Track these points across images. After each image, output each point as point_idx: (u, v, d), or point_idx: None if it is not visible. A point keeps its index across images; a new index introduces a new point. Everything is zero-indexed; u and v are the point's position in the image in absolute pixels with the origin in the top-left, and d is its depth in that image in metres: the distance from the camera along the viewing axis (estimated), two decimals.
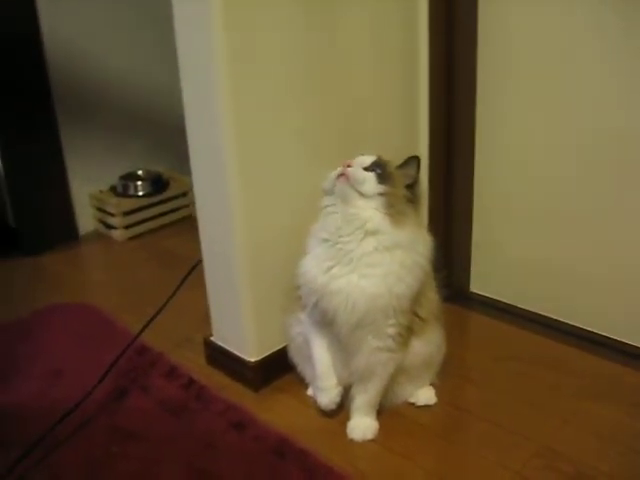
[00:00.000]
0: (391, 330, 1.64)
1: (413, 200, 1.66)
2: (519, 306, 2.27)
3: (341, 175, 1.60)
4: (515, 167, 2.17)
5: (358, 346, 1.68)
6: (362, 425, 1.77)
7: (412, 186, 1.67)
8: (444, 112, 2.21)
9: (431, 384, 1.89)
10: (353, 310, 1.60)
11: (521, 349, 2.11)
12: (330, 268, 1.62)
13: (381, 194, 1.59)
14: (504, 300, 2.31)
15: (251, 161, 1.78)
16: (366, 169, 1.61)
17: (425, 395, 1.87)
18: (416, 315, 1.71)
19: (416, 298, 1.67)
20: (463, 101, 2.19)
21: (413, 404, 1.86)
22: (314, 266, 1.66)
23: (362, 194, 1.59)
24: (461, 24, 2.11)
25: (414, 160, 1.69)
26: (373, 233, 1.59)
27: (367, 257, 1.60)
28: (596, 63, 1.90)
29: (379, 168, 1.61)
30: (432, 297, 1.78)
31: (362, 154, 1.67)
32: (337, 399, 1.78)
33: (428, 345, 1.77)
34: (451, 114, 2.21)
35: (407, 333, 1.69)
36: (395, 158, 1.69)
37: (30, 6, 2.84)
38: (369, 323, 1.62)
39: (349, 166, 1.61)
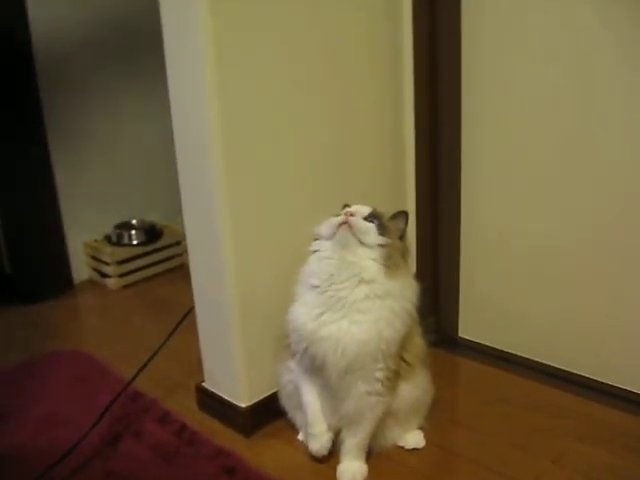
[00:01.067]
0: (380, 374, 1.67)
1: (405, 252, 1.71)
2: (507, 350, 2.29)
3: (344, 223, 1.63)
4: (500, 218, 2.22)
5: (347, 391, 1.70)
6: (352, 468, 1.77)
7: (402, 238, 1.72)
8: (430, 166, 2.28)
9: (420, 428, 1.90)
10: (343, 355, 1.63)
11: (509, 392, 2.13)
12: (320, 315, 1.65)
13: (381, 245, 1.63)
14: (492, 345, 2.33)
15: (242, 211, 1.82)
16: (365, 219, 1.65)
17: (414, 439, 1.88)
18: (403, 359, 1.73)
19: (403, 343, 1.70)
20: (448, 155, 2.26)
21: (402, 447, 1.87)
22: (304, 313, 1.68)
23: (363, 243, 1.63)
24: (445, 75, 2.18)
25: (402, 215, 1.74)
26: (368, 282, 1.63)
27: (359, 304, 1.63)
28: (586, 115, 1.96)
29: (376, 219, 1.66)
30: (418, 342, 1.80)
31: (350, 204, 1.71)
32: (328, 445, 1.80)
33: (415, 389, 1.80)
34: (437, 166, 2.27)
35: (395, 377, 1.71)
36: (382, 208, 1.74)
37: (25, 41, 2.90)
38: (358, 368, 1.64)
39: (352, 215, 1.65)
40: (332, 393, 1.73)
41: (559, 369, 2.17)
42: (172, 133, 1.88)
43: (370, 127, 2.16)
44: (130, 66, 3.24)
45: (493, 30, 2.08)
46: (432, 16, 2.14)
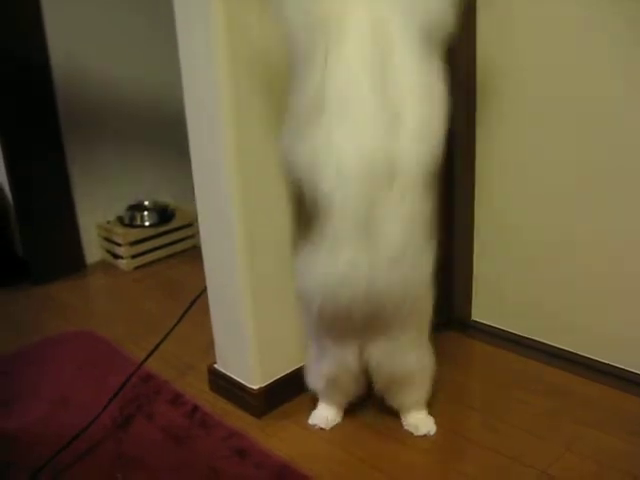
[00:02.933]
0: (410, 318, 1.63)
1: None
2: (520, 334, 2.28)
3: None
4: (516, 202, 2.19)
5: (375, 340, 1.66)
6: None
7: None
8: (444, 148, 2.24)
9: (429, 412, 1.90)
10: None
11: (522, 376, 2.12)
12: None
13: None
14: (506, 328, 2.32)
15: (253, 192, 1.81)
16: None
17: (425, 425, 1.86)
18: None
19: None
20: (463, 138, 2.23)
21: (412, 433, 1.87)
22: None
23: None
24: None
25: None
26: None
27: None
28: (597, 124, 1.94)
29: None
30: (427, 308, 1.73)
31: None
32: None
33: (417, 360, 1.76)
34: (451, 149, 2.24)
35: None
36: None
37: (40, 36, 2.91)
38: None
39: None
40: (361, 350, 1.70)
41: (573, 353, 2.15)
42: (185, 114, 1.87)
43: None
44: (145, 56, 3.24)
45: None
46: None
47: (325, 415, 1.90)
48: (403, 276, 1.52)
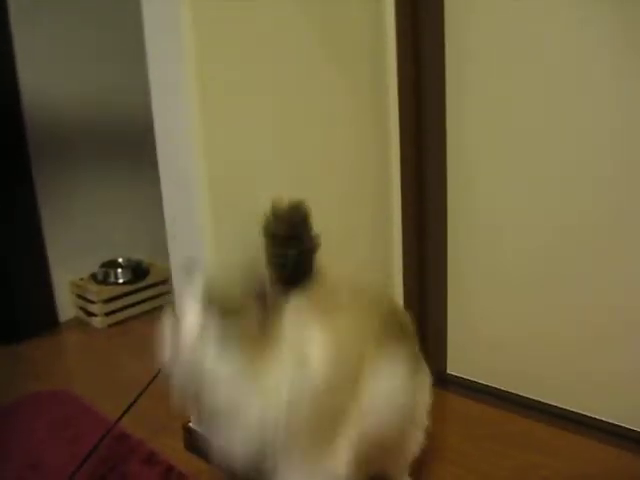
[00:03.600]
0: None
1: None
2: (497, 387, 2.29)
3: None
4: (489, 246, 2.22)
5: None
6: None
7: None
8: (416, 193, 2.28)
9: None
10: None
11: (500, 429, 2.12)
12: None
13: None
14: (482, 381, 2.32)
15: (227, 243, 1.81)
16: None
17: None
18: None
19: None
20: (434, 180, 2.26)
21: None
22: None
23: None
24: (428, 66, 2.20)
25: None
26: None
27: None
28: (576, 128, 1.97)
29: None
30: None
31: None
32: None
33: None
34: (423, 192, 2.28)
35: None
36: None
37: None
38: None
39: None
40: None
41: (549, 405, 2.16)
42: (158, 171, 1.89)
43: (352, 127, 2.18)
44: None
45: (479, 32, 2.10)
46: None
47: None
48: None
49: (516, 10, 1.97)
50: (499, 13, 2.02)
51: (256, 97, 1.81)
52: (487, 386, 2.31)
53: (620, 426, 2.02)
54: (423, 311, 2.36)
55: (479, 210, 2.19)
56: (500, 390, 2.28)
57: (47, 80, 3.05)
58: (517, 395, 2.24)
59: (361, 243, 2.23)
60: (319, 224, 1.50)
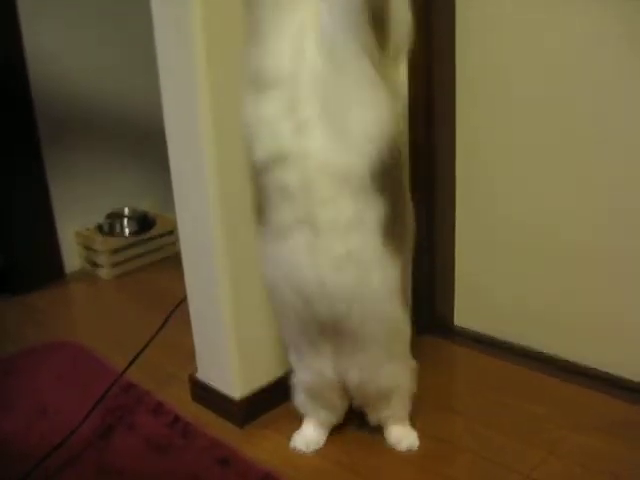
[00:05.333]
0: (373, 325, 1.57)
1: None
2: (503, 339, 2.28)
3: None
4: (497, 205, 2.20)
5: (350, 348, 1.62)
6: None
7: None
8: (425, 154, 2.25)
9: (412, 420, 1.87)
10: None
11: (505, 381, 2.12)
12: None
13: None
14: (488, 333, 2.32)
15: (234, 198, 1.80)
16: None
17: (406, 439, 1.83)
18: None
19: None
20: (444, 143, 2.24)
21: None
22: None
23: None
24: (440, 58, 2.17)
25: None
26: None
27: None
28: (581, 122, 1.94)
29: None
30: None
31: None
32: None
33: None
34: (432, 154, 2.25)
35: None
36: None
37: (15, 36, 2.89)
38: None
39: None
40: (336, 360, 1.66)
41: (555, 357, 2.16)
42: (162, 119, 1.86)
43: None
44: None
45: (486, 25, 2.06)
46: None
47: (307, 437, 1.85)
48: (352, 280, 1.48)
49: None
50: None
51: None
52: (494, 338, 2.30)
53: (625, 378, 2.03)
54: (431, 263, 2.34)
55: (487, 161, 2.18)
56: (507, 342, 2.28)
57: (55, 45, 3.01)
58: (524, 347, 2.23)
59: None
60: None
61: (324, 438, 1.86)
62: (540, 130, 2.03)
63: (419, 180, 2.24)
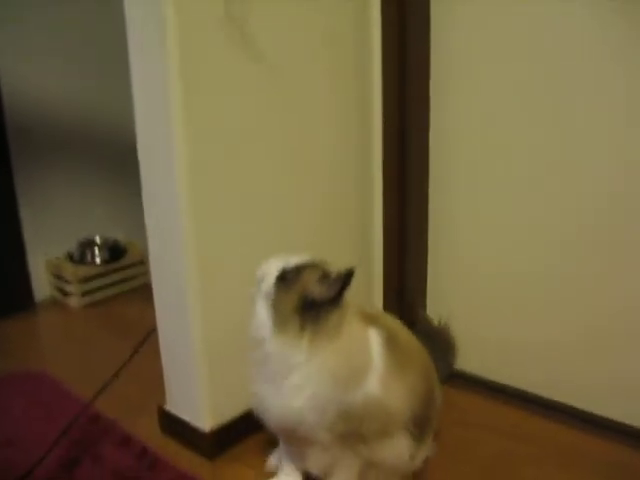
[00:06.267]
0: (322, 435, 1.58)
1: (305, 317, 1.51)
2: (481, 375, 2.29)
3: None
4: (470, 246, 2.23)
5: (303, 450, 1.66)
6: None
7: (314, 304, 1.51)
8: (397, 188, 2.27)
9: None
10: (265, 417, 1.62)
11: (482, 417, 2.12)
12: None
13: (272, 296, 1.53)
14: (466, 370, 2.31)
15: (206, 229, 1.80)
16: (284, 268, 1.54)
17: None
18: (353, 431, 1.60)
19: (345, 417, 1.56)
20: (416, 174, 2.25)
21: None
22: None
23: (261, 292, 1.55)
24: (414, 89, 2.18)
25: (337, 280, 1.51)
26: (261, 342, 1.55)
27: (262, 370, 1.57)
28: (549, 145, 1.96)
29: (291, 271, 1.54)
30: (384, 411, 1.61)
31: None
32: None
33: (394, 453, 1.67)
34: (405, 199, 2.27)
35: (354, 439, 1.61)
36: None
37: None
38: (290, 431, 1.59)
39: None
40: (297, 453, 1.70)
41: (528, 393, 2.16)
42: (135, 148, 1.86)
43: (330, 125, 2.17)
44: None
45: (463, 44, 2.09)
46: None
47: None
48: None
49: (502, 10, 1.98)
50: (485, 13, 2.02)
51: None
52: (473, 375, 2.30)
53: (609, 419, 2.02)
54: (401, 301, 2.35)
55: (460, 216, 2.20)
56: (485, 379, 2.28)
57: (27, 68, 3.00)
58: (502, 384, 2.24)
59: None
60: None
61: None
62: (516, 156, 2.05)
63: (390, 226, 2.27)
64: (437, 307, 2.35)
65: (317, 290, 1.51)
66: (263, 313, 1.54)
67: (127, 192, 2.91)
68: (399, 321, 1.77)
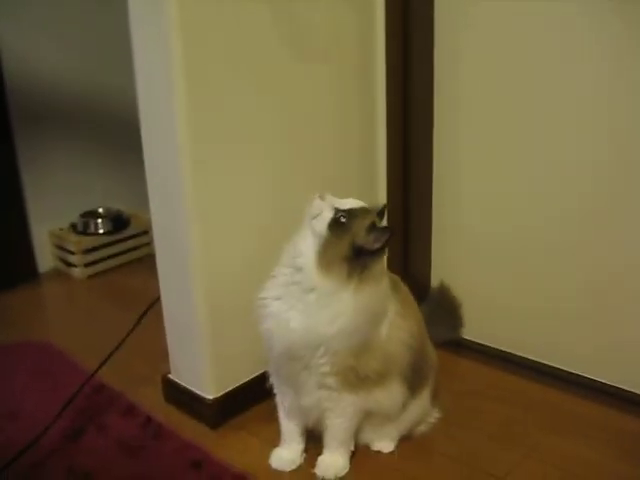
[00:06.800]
0: (325, 368, 1.60)
1: (352, 264, 1.54)
2: (479, 342, 2.29)
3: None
4: (476, 206, 2.22)
5: (302, 383, 1.66)
6: (328, 462, 1.74)
7: (360, 250, 1.54)
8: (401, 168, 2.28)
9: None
10: (280, 338, 1.60)
11: (481, 384, 2.12)
12: (277, 297, 1.62)
13: (323, 237, 1.54)
14: (465, 337, 2.31)
15: (208, 201, 1.79)
16: (336, 210, 1.55)
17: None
18: (358, 368, 1.63)
19: (358, 350, 1.60)
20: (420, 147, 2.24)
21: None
22: (266, 290, 1.65)
23: (312, 228, 1.56)
24: (417, 77, 2.18)
25: (380, 230, 1.56)
26: (298, 269, 1.57)
27: (294, 290, 1.58)
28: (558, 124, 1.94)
29: (345, 216, 1.54)
30: (387, 353, 1.67)
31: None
32: (288, 467, 1.79)
33: (386, 399, 1.70)
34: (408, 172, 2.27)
35: (356, 377, 1.63)
36: None
37: None
38: (299, 356, 1.60)
39: (321, 197, 1.58)
40: (294, 388, 1.69)
41: (532, 360, 2.17)
42: (138, 119, 1.84)
43: (337, 123, 2.14)
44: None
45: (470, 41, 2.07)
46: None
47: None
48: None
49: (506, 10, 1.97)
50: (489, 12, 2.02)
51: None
52: (471, 341, 2.31)
53: (603, 382, 2.03)
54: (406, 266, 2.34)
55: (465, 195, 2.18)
56: (484, 346, 2.28)
57: (29, 43, 2.97)
58: (500, 350, 2.24)
59: None
60: None
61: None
62: (521, 132, 2.04)
63: (394, 192, 2.25)
64: (441, 274, 2.35)
65: (367, 240, 1.54)
66: (309, 247, 1.56)
67: (131, 163, 2.89)
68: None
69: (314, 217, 1.56)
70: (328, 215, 1.55)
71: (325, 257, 1.54)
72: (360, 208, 1.58)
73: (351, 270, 1.54)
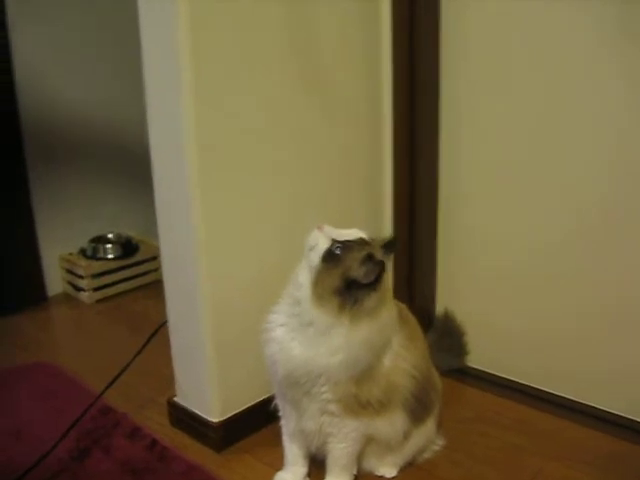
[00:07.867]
0: (327, 396, 1.61)
1: (344, 296, 1.54)
2: (483, 369, 2.29)
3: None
4: (481, 235, 2.23)
5: (305, 408, 1.67)
6: None
7: (354, 284, 1.53)
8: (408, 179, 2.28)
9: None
10: (283, 364, 1.62)
11: (485, 411, 2.12)
12: (282, 324, 1.64)
13: (317, 269, 1.55)
14: (469, 364, 2.32)
15: (216, 227, 1.81)
16: (333, 241, 1.55)
17: (391, 472, 1.83)
18: (359, 395, 1.64)
19: (359, 379, 1.61)
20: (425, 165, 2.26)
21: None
22: (273, 320, 1.67)
23: (309, 260, 1.57)
24: (423, 87, 2.19)
25: (373, 263, 1.54)
26: (298, 302, 1.58)
27: (295, 322, 1.60)
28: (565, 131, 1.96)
29: (340, 247, 1.55)
30: (389, 383, 1.68)
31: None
32: None
33: (387, 427, 1.71)
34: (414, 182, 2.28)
35: (358, 405, 1.64)
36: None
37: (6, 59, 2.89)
38: (301, 382, 1.61)
39: (319, 228, 1.58)
40: (298, 412, 1.70)
41: (535, 388, 2.17)
42: (149, 146, 1.87)
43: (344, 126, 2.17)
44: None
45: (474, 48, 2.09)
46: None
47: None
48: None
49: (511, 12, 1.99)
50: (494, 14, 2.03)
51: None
52: (476, 369, 2.31)
53: (606, 411, 2.03)
54: (411, 295, 2.35)
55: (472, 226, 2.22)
56: (487, 373, 2.29)
57: (42, 66, 3.01)
58: (504, 378, 2.25)
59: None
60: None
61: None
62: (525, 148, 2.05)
63: (400, 213, 2.27)
64: (446, 302, 2.36)
65: (359, 273, 1.53)
66: (306, 279, 1.57)
67: (141, 191, 2.92)
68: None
69: (311, 249, 1.57)
70: (323, 247, 1.55)
71: (317, 289, 1.54)
72: (357, 240, 1.57)
73: (343, 303, 1.53)
